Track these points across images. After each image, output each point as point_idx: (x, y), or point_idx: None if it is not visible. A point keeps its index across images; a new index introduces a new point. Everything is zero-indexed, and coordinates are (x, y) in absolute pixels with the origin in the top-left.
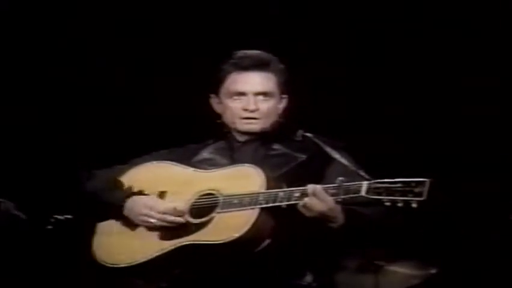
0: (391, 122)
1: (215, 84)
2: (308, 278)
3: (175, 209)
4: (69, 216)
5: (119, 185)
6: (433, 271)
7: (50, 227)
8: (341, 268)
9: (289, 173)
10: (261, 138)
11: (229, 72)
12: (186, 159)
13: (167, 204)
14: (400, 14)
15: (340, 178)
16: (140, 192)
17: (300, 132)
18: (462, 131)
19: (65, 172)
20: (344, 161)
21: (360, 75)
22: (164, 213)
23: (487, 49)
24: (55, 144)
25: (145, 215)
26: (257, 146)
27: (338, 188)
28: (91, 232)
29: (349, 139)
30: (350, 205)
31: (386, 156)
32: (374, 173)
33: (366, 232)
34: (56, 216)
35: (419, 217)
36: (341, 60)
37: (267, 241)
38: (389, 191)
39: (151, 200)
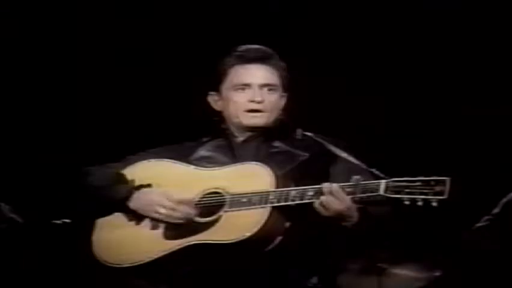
0: (393, 121)
1: (215, 80)
2: (314, 280)
3: (188, 201)
4: (67, 221)
5: (124, 179)
6: (437, 274)
7: (48, 231)
8: (344, 270)
9: (294, 171)
10: (262, 135)
11: (233, 65)
12: (183, 157)
13: (180, 195)
14: (404, 11)
15: (356, 177)
16: (148, 186)
17: (299, 131)
18: (462, 131)
19: (61, 173)
20: (352, 159)
21: (360, 75)
22: (178, 203)
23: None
24: (51, 145)
25: (158, 204)
26: (258, 144)
27: (354, 186)
28: (89, 236)
29: (348, 139)
30: (360, 203)
31: (387, 156)
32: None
33: (375, 232)
34: (54, 221)
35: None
36: (343, 60)
37: (278, 240)
38: (408, 190)
39: (164, 191)
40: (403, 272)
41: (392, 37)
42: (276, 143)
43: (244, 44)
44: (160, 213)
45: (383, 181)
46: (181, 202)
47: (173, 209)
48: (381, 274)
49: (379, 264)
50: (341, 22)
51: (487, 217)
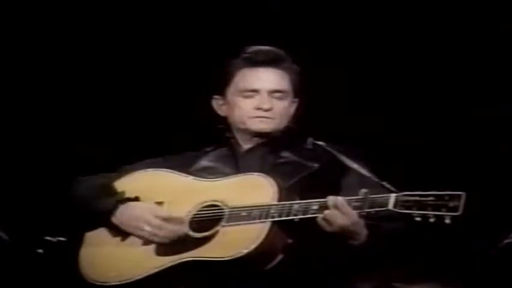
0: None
1: (220, 83)
2: None
3: (177, 218)
4: (62, 239)
5: (110, 191)
6: None
7: (40, 250)
8: None
9: (301, 183)
10: (269, 144)
11: (240, 68)
12: (184, 168)
13: (168, 212)
14: (416, 10)
15: (364, 190)
16: (137, 199)
17: (310, 140)
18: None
19: (54, 185)
20: (363, 171)
21: (363, 76)
22: (166, 220)
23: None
24: (45, 153)
25: (143, 220)
26: (264, 153)
27: (362, 200)
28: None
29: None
30: (371, 219)
31: (407, 167)
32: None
33: (387, 251)
34: (47, 238)
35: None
36: (345, 61)
37: (278, 258)
38: (419, 205)
39: (151, 206)
40: None
41: (400, 39)
42: (284, 153)
43: (249, 44)
44: (145, 231)
45: (393, 195)
46: (169, 219)
47: (159, 228)
48: None
49: (394, 284)
50: (344, 22)
51: None
